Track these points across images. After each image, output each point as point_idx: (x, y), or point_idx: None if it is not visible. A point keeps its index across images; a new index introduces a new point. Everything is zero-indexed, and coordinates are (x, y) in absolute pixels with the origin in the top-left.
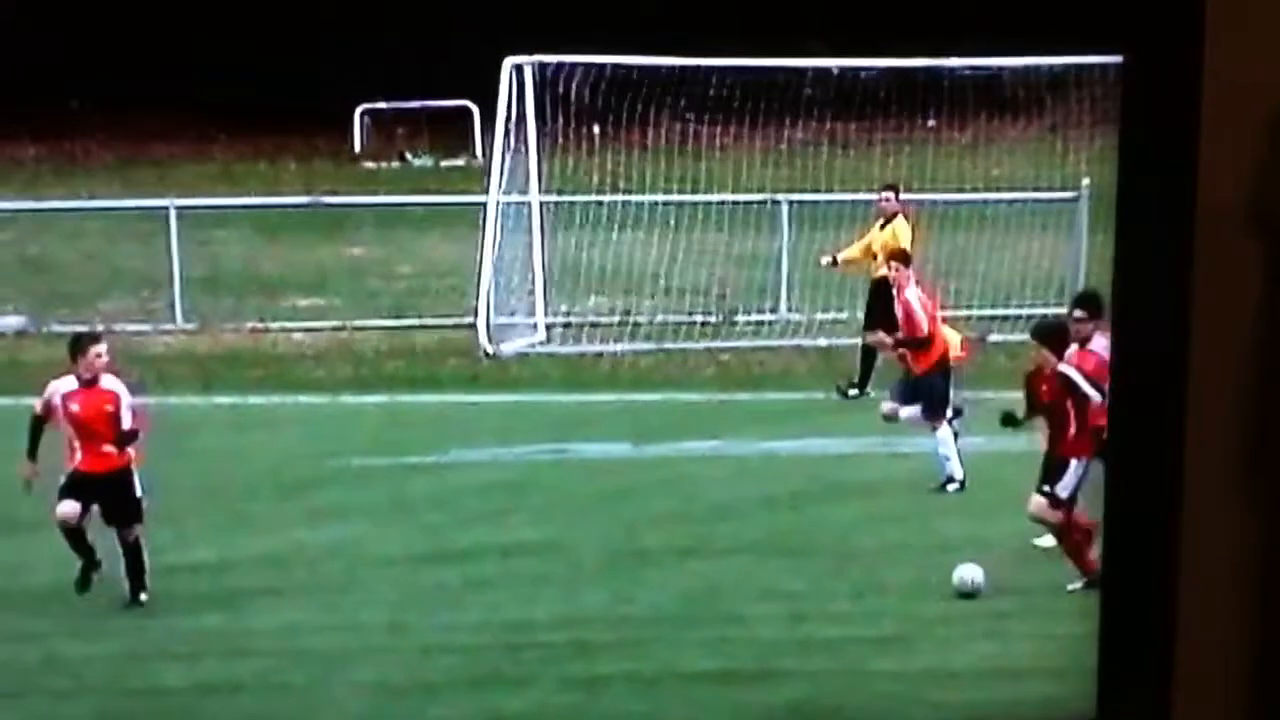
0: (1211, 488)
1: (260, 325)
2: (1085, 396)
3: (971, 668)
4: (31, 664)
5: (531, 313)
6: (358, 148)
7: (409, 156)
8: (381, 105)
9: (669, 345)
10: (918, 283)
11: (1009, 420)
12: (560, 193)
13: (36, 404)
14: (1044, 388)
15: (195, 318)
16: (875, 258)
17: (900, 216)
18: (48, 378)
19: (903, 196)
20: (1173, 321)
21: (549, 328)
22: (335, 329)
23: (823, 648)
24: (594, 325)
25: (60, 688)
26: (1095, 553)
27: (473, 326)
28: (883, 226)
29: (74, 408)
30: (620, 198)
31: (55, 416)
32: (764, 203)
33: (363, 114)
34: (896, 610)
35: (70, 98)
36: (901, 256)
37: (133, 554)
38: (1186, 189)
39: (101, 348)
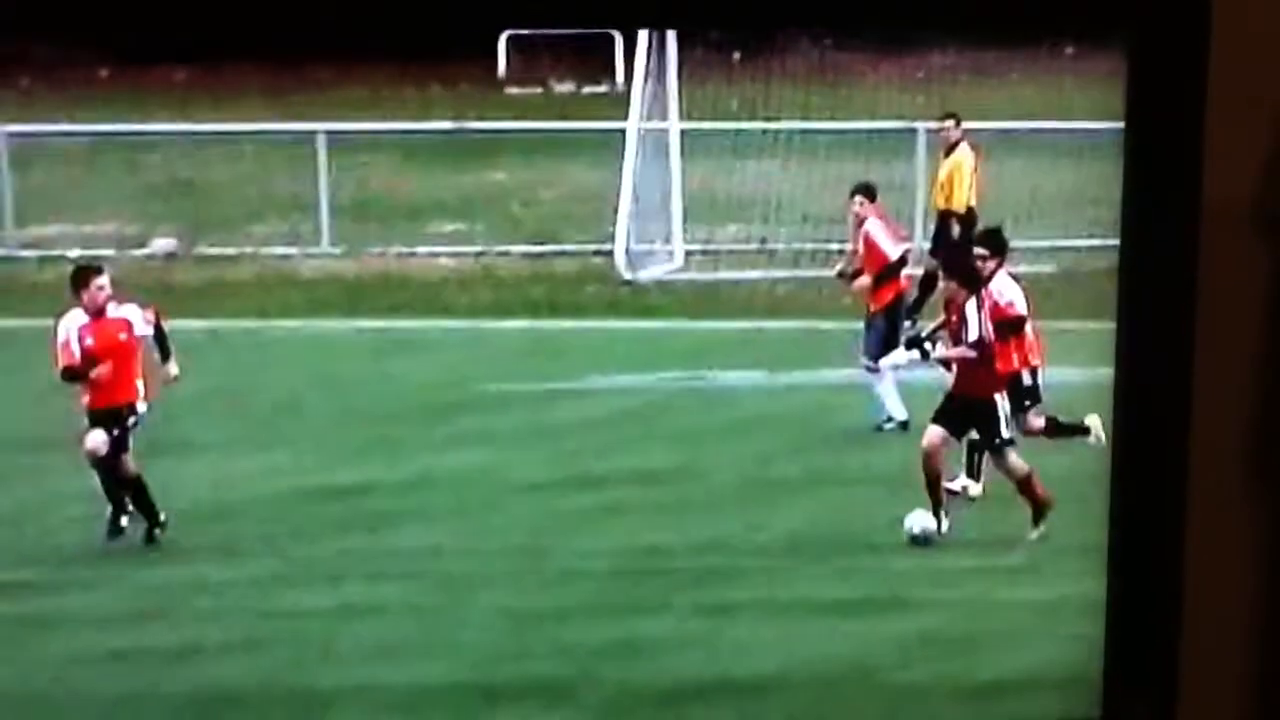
0: (1217, 487)
1: (405, 250)
2: (967, 325)
3: (1101, 599)
4: (181, 584)
5: (670, 239)
6: (502, 74)
7: (552, 83)
8: (526, 31)
9: (805, 273)
10: (882, 218)
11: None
12: (699, 119)
13: (59, 360)
14: (954, 318)
15: (342, 242)
16: (941, 188)
17: (964, 145)
18: (196, 300)
19: (1014, 125)
20: (1178, 319)
21: (687, 254)
22: (478, 254)
23: (953, 577)
24: (731, 252)
25: (205, 608)
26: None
27: (611, 253)
28: (946, 155)
29: (89, 341)
30: (759, 125)
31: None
32: (901, 130)
33: (508, 40)
34: (1027, 540)
35: (222, 21)
36: (866, 191)
37: (137, 488)
38: (1192, 187)
39: (103, 279)
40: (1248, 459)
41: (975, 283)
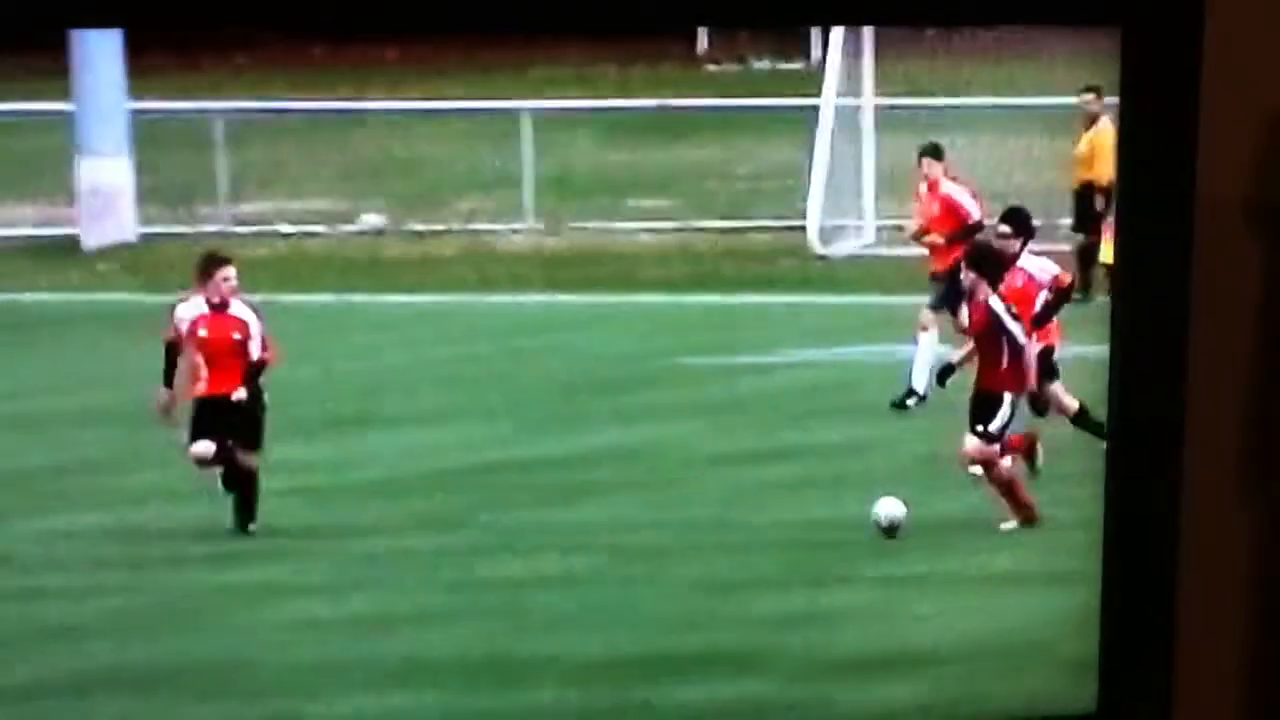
0: (1211, 483)
1: (605, 225)
2: (1012, 335)
3: None
4: (383, 555)
5: (861, 215)
6: (701, 51)
7: (750, 60)
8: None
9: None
10: (954, 178)
11: (944, 374)
12: (893, 95)
13: (168, 331)
14: (975, 316)
15: (544, 218)
16: (1082, 162)
17: (1105, 119)
18: (405, 276)
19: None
20: (1172, 316)
21: (878, 230)
22: (675, 230)
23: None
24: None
25: (405, 579)
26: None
27: (804, 228)
28: (1087, 129)
29: (202, 333)
30: (948, 101)
31: (185, 341)
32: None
33: None
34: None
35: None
36: (934, 152)
37: (246, 482)
38: (1186, 183)
39: (229, 270)
40: (1243, 454)
41: (995, 276)
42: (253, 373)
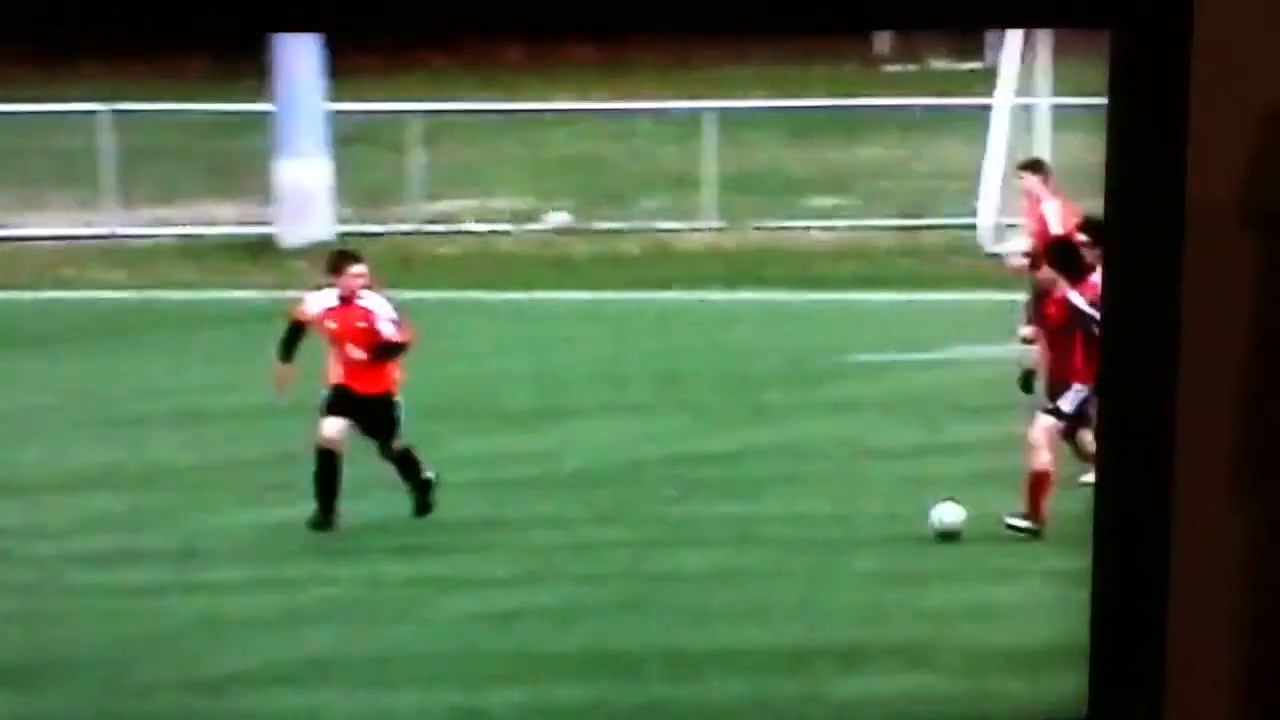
0: (1205, 486)
1: (783, 224)
2: (1091, 327)
3: None
4: (563, 548)
5: None
6: (880, 51)
7: (928, 60)
8: None
9: None
10: (1055, 194)
11: (1027, 383)
12: (1069, 94)
13: (296, 312)
14: (1051, 311)
15: (724, 216)
16: None
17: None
18: (587, 273)
19: None
20: (1164, 318)
21: None
22: (851, 228)
23: None
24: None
25: (585, 571)
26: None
27: (976, 226)
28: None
29: (330, 324)
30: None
31: (316, 327)
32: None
33: None
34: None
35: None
36: (1032, 166)
37: (403, 461)
38: (1177, 185)
39: (360, 267)
40: (1234, 455)
41: (1079, 273)
42: (382, 353)
